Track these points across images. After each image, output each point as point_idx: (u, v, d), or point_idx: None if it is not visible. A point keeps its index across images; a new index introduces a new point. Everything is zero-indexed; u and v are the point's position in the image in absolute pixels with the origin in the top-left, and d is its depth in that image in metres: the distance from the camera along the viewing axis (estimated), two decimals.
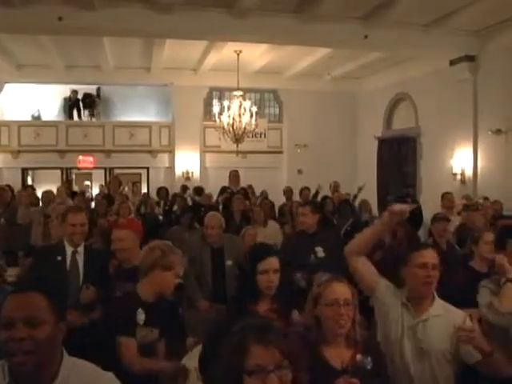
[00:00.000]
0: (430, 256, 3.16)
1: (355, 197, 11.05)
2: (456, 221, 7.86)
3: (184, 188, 13.56)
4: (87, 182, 17.99)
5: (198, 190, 12.73)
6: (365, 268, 3.29)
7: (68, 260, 4.51)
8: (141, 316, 3.45)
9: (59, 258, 4.47)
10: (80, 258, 4.54)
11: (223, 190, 10.97)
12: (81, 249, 4.59)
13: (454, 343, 2.99)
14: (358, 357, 2.75)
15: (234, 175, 11.16)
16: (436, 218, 6.91)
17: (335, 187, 12.04)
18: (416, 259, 3.14)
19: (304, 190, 11.29)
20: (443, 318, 3.06)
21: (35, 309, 1.99)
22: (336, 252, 5.80)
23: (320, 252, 5.56)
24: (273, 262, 3.33)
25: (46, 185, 13.33)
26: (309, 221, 5.80)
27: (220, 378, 1.86)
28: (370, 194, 13.39)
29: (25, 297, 2.03)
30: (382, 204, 13.32)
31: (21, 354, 1.92)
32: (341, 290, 2.86)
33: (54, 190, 10.40)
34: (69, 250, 4.54)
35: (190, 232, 8.96)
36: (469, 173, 12.20)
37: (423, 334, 3.06)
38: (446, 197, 9.02)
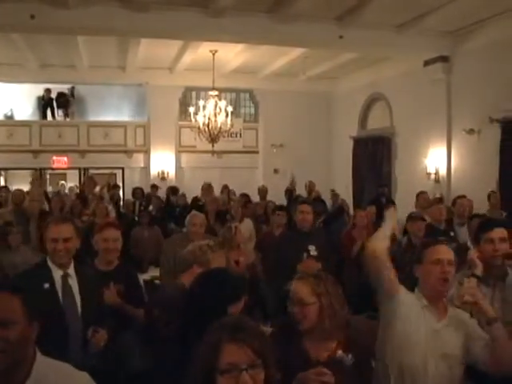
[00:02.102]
0: (444, 251, 3.09)
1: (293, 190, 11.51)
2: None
3: (154, 187, 13.46)
4: (62, 182, 17.80)
5: (173, 190, 12.68)
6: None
7: (59, 288, 3.42)
8: None
9: (46, 285, 3.38)
10: (74, 284, 3.49)
11: (194, 201, 10.49)
12: (72, 271, 3.53)
13: (466, 345, 2.97)
14: (339, 352, 2.78)
15: (207, 188, 10.76)
16: (411, 217, 6.99)
17: (311, 187, 12.08)
18: (430, 256, 3.08)
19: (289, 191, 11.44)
20: (459, 322, 3.02)
21: (7, 309, 1.98)
22: (326, 251, 5.94)
23: (313, 250, 5.72)
24: None
25: (19, 185, 13.12)
26: (309, 219, 6.02)
27: (193, 378, 1.85)
28: (346, 194, 13.50)
29: None
30: (358, 203, 13.41)
31: None
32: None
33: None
34: (57, 273, 3.45)
35: (149, 230, 9.10)
36: (443, 172, 12.30)
37: (447, 339, 3.00)
38: (421, 196, 9.09)
